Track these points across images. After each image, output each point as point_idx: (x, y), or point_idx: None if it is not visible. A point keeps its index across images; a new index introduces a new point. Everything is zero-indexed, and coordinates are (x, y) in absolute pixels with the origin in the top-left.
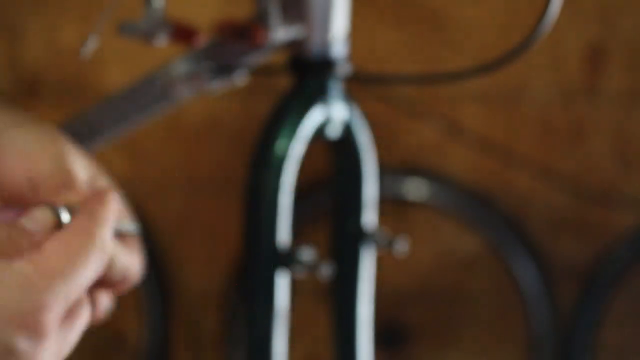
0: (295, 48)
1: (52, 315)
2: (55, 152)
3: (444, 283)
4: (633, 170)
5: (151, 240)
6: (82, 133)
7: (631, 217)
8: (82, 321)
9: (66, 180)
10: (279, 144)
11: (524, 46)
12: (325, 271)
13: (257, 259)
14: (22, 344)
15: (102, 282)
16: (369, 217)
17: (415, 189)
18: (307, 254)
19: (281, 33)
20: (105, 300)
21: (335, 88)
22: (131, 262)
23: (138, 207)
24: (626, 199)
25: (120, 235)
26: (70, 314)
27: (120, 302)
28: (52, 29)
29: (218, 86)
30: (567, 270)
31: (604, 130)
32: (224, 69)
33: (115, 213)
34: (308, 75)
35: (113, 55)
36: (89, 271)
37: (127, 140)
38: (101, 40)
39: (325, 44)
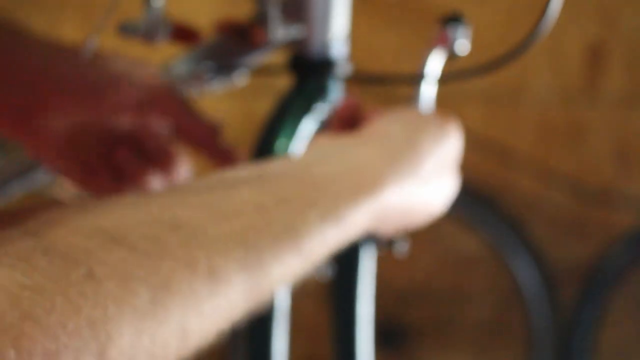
0: (296, 48)
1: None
2: None
3: (444, 283)
4: (633, 170)
5: None
6: None
7: (631, 217)
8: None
9: None
10: (279, 144)
11: (524, 46)
12: (325, 271)
13: None
14: None
15: None
16: None
17: None
18: None
19: (281, 33)
20: None
21: (335, 88)
22: None
23: None
24: (626, 199)
25: None
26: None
27: None
28: (52, 28)
29: (218, 86)
30: (567, 270)
31: (604, 130)
32: (224, 69)
33: None
34: (308, 75)
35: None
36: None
37: None
38: (101, 40)
39: (325, 44)
